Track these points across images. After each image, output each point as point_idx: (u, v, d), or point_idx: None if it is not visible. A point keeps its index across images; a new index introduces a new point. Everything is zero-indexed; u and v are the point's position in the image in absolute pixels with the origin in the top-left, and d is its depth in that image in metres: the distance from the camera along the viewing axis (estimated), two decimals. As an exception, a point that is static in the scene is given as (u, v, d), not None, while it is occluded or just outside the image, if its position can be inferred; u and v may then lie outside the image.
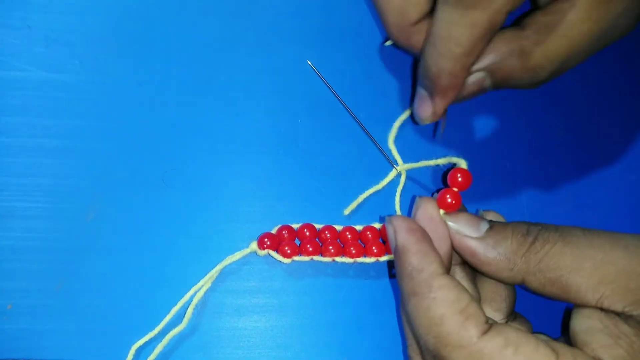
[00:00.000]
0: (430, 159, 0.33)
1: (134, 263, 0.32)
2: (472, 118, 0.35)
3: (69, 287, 0.31)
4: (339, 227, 0.33)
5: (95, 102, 0.33)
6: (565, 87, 0.35)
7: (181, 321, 0.31)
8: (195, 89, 0.34)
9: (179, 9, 0.35)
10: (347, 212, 0.33)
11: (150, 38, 0.34)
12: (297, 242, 0.32)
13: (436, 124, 0.34)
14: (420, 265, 0.26)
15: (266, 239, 0.32)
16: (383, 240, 0.32)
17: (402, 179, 0.33)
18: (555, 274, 0.25)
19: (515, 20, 0.29)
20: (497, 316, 0.29)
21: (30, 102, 0.33)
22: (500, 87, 0.30)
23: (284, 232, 0.32)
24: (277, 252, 0.32)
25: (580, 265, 0.24)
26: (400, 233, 0.27)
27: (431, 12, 0.28)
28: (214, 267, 0.31)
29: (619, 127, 0.36)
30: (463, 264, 0.29)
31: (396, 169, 0.33)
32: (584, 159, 0.35)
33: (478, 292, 0.29)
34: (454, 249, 0.28)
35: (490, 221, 0.28)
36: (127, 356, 0.30)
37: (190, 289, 0.31)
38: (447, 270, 0.27)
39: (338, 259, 0.32)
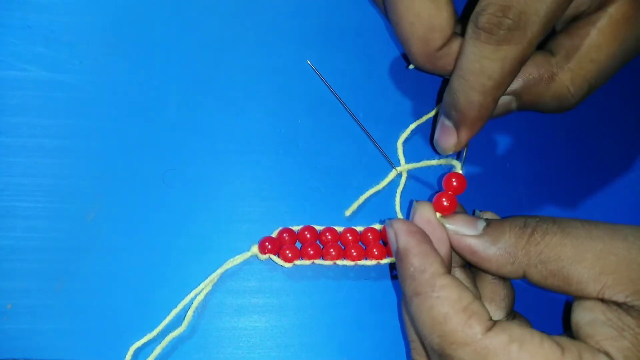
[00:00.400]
0: (431, 158, 0.33)
1: (134, 263, 0.32)
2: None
3: (69, 287, 0.31)
4: (339, 229, 0.32)
5: (95, 102, 0.33)
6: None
7: (181, 323, 0.31)
8: (195, 89, 0.34)
9: (179, 9, 0.35)
10: (348, 213, 0.33)
11: (150, 38, 0.34)
12: (298, 244, 0.32)
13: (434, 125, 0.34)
14: (422, 265, 0.26)
15: (267, 243, 0.31)
16: (384, 242, 0.32)
17: (403, 179, 0.34)
18: (556, 265, 0.25)
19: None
20: (497, 315, 0.29)
21: (30, 102, 0.33)
22: (527, 109, 0.30)
23: (284, 235, 0.32)
24: (278, 256, 0.32)
25: (581, 256, 0.24)
26: (401, 235, 0.27)
27: (454, 34, 0.29)
28: (214, 266, 0.31)
29: (619, 128, 0.36)
30: (463, 266, 0.30)
31: (396, 170, 0.33)
32: (585, 159, 0.35)
33: (479, 293, 0.29)
34: (453, 250, 0.28)
35: (487, 219, 0.28)
36: (125, 357, 0.30)
37: (190, 289, 0.31)
38: (448, 270, 0.27)
39: (339, 262, 0.32)
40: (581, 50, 0.28)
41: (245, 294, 0.32)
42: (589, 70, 0.28)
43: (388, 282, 0.33)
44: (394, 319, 0.32)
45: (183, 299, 0.31)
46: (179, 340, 0.31)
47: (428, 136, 0.35)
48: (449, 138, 0.30)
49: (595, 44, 0.28)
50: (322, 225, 0.33)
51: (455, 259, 0.29)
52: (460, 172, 0.31)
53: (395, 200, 0.33)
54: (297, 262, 0.32)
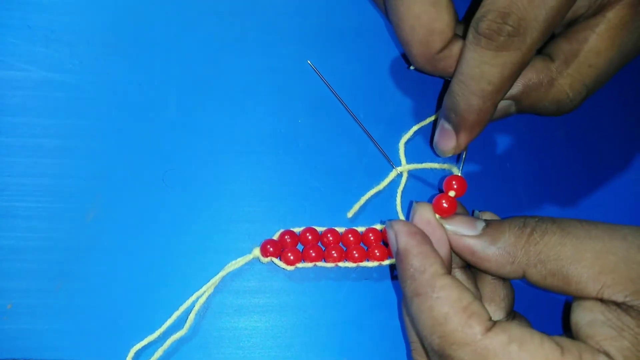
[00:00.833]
0: (431, 160, 0.33)
1: (134, 263, 0.32)
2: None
3: (69, 287, 0.31)
4: (340, 230, 0.32)
5: (95, 102, 0.33)
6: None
7: (181, 324, 0.31)
8: (195, 89, 0.34)
9: (179, 9, 0.35)
10: (350, 214, 0.33)
11: (150, 38, 0.34)
12: (299, 246, 0.32)
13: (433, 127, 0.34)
14: (422, 266, 0.26)
15: (269, 246, 0.31)
16: (385, 243, 0.32)
17: (404, 179, 0.34)
18: (555, 264, 0.25)
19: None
20: (497, 316, 0.29)
21: (30, 102, 0.33)
22: (526, 112, 0.31)
23: (286, 237, 0.32)
24: (280, 259, 0.32)
25: (580, 256, 0.24)
26: (401, 236, 0.27)
27: (454, 36, 0.29)
28: (214, 266, 0.31)
29: (618, 128, 0.36)
30: (463, 267, 0.30)
31: (396, 170, 0.34)
32: (585, 160, 0.35)
33: (479, 293, 0.29)
34: (453, 250, 0.28)
35: (486, 220, 0.28)
36: (126, 358, 0.30)
37: (190, 289, 0.31)
38: (449, 271, 0.27)
39: (341, 264, 0.32)
40: (580, 56, 0.28)
41: (246, 294, 0.32)
42: (587, 75, 0.29)
43: (388, 283, 0.33)
44: (394, 319, 0.32)
45: (183, 298, 0.31)
46: (180, 339, 0.31)
47: (429, 137, 0.35)
48: (448, 141, 0.31)
49: (593, 49, 0.28)
50: (322, 225, 0.33)
51: (456, 259, 0.29)
52: (459, 174, 0.31)
53: (396, 201, 0.33)
54: (299, 265, 0.32)
